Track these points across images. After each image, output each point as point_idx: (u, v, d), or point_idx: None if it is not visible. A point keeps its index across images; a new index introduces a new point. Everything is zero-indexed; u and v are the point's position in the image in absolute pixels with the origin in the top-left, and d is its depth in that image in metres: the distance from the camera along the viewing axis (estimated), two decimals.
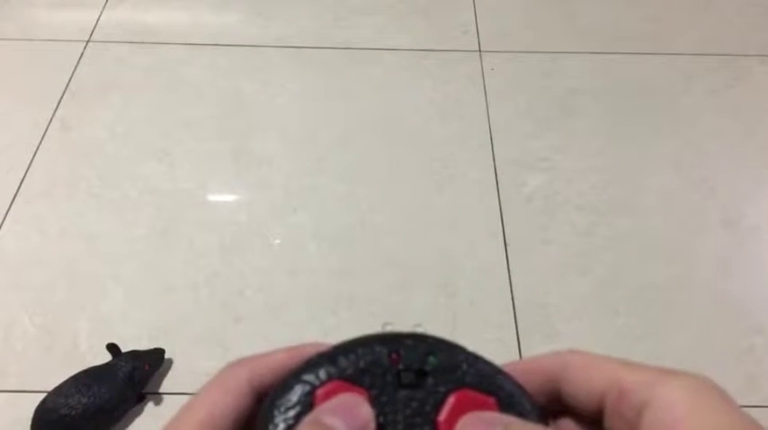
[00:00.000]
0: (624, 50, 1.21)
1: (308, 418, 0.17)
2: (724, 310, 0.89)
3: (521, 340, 0.85)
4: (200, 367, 0.82)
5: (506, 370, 0.19)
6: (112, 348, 0.78)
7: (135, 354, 0.77)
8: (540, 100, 1.13)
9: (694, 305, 0.89)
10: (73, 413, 0.70)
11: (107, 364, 0.76)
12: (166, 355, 0.82)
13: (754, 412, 0.82)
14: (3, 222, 0.94)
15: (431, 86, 1.14)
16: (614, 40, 1.23)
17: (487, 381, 0.18)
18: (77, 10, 1.25)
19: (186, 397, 0.86)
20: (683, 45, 1.22)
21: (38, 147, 1.03)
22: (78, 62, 1.16)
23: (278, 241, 0.94)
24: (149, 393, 0.79)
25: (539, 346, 0.85)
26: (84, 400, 0.71)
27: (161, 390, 0.80)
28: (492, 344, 0.85)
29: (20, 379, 0.80)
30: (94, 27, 1.22)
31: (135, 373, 0.75)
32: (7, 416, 0.77)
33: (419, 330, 0.20)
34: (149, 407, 0.79)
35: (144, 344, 0.83)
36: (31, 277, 0.89)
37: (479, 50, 1.21)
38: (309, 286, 0.90)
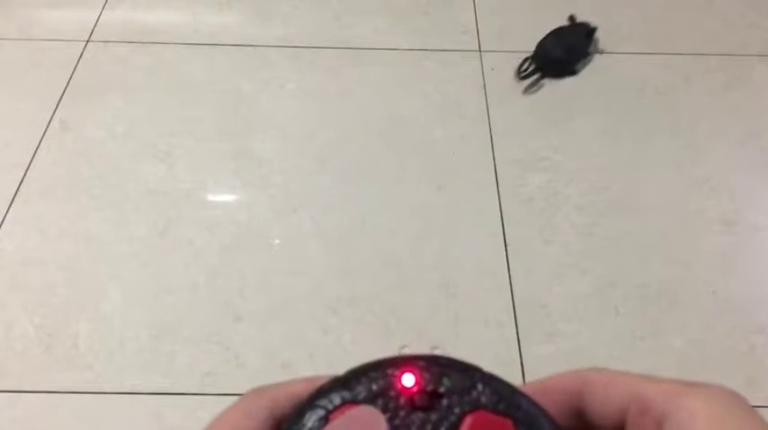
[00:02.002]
0: (624, 50, 1.21)
1: None
2: (724, 310, 0.89)
3: (521, 340, 0.85)
4: (200, 367, 0.82)
5: (524, 390, 0.19)
6: (572, 17, 1.19)
7: (589, 23, 1.18)
8: (540, 100, 1.13)
9: (694, 305, 0.89)
10: (553, 51, 1.14)
11: (575, 25, 1.19)
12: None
13: None
14: (2, 222, 0.94)
15: (431, 86, 1.14)
16: (614, 40, 1.23)
17: (504, 402, 0.18)
18: (77, 10, 1.25)
19: (185, 397, 0.86)
20: (683, 45, 1.22)
21: (38, 147, 1.03)
22: (78, 62, 1.16)
23: (278, 241, 0.94)
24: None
25: (539, 346, 0.85)
26: (566, 44, 1.15)
27: None
28: (492, 344, 0.85)
29: (19, 379, 0.80)
30: (94, 27, 1.22)
31: (591, 33, 1.17)
32: (6, 417, 0.77)
33: (437, 352, 0.20)
34: (585, 71, 1.18)
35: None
36: (30, 277, 0.89)
37: (479, 50, 1.21)
38: (309, 286, 0.90)
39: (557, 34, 1.16)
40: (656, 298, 0.90)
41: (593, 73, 1.17)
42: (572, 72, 1.17)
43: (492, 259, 0.93)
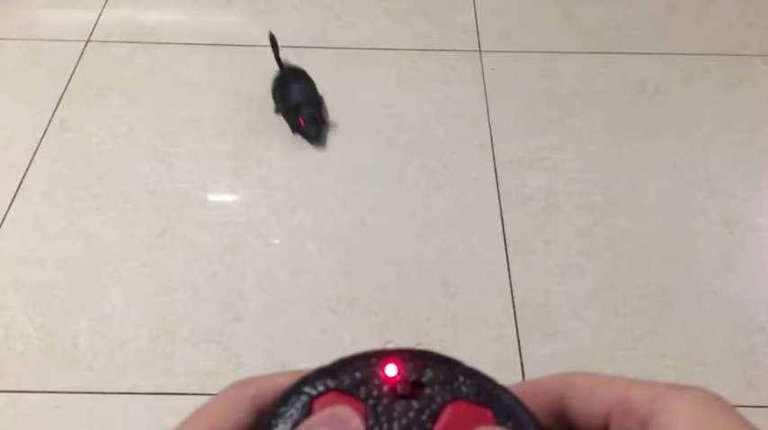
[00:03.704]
0: (624, 50, 1.21)
1: (299, 427, 0.17)
2: (724, 310, 0.89)
3: (521, 340, 0.85)
4: (200, 367, 0.82)
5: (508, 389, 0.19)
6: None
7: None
8: (540, 100, 1.13)
9: (694, 305, 0.89)
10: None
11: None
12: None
13: (754, 412, 0.82)
14: (2, 222, 0.94)
15: (431, 86, 1.14)
16: (614, 40, 1.23)
17: (484, 394, 0.19)
18: (77, 10, 1.25)
19: (185, 397, 0.86)
20: (683, 45, 1.22)
21: (38, 147, 1.03)
22: (78, 62, 1.16)
23: (278, 241, 0.94)
24: None
25: (539, 346, 0.85)
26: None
27: None
28: (492, 344, 0.85)
29: (19, 379, 0.80)
30: (94, 27, 1.22)
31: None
32: (6, 416, 0.77)
33: (420, 347, 0.20)
34: None
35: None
36: (30, 277, 0.89)
37: (479, 50, 1.21)
38: (309, 286, 0.90)
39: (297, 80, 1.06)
40: (656, 298, 0.90)
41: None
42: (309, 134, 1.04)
43: (492, 259, 0.93)
